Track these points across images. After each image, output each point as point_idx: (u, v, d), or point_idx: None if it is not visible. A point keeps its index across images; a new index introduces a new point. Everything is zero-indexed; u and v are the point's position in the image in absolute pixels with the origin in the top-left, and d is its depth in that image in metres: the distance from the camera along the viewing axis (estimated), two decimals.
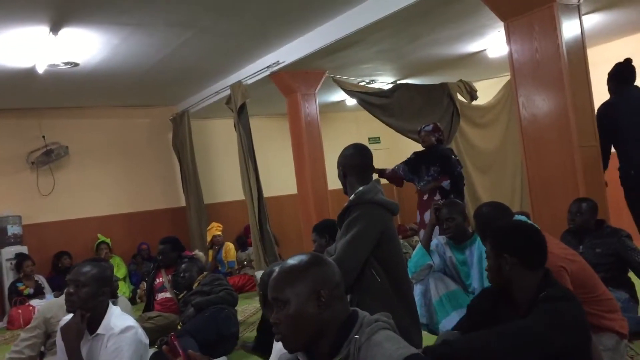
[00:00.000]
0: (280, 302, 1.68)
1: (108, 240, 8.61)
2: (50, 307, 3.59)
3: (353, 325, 1.67)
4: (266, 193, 7.63)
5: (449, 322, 3.74)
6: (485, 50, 7.41)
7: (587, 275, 2.85)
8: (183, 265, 5.29)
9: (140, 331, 2.78)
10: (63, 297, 3.04)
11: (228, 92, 7.55)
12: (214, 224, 8.57)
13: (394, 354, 1.57)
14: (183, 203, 9.40)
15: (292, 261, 1.74)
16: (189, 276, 5.19)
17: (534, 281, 2.27)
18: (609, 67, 5.16)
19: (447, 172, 5.61)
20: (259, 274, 5.89)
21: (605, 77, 5.09)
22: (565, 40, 4.17)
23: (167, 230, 8.30)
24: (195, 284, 5.12)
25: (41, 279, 7.66)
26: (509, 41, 4.48)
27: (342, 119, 10.80)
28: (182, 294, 5.24)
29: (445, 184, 5.56)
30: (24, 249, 7.83)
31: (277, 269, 1.76)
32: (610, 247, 3.80)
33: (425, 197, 5.75)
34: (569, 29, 4.24)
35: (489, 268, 2.40)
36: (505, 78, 8.19)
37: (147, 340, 2.83)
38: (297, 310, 1.65)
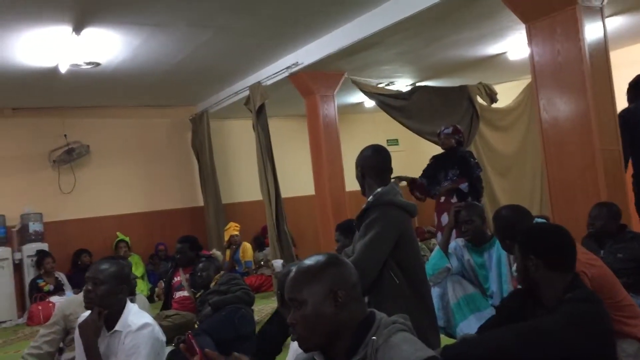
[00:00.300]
0: (297, 303, 1.67)
1: (127, 239, 8.68)
2: (69, 304, 3.62)
3: (370, 327, 1.66)
4: (284, 194, 7.64)
5: (466, 325, 3.72)
6: (505, 52, 7.36)
7: (608, 281, 2.81)
8: (200, 265, 5.31)
9: (157, 328, 2.80)
10: (82, 294, 3.07)
11: (247, 92, 7.58)
12: (232, 224, 8.61)
13: (412, 356, 1.56)
14: (201, 203, 9.45)
15: (308, 261, 1.74)
16: (207, 275, 5.21)
17: (560, 283, 2.24)
18: (632, 70, 5.10)
19: (466, 175, 5.56)
20: (276, 262, 5.86)
21: (628, 80, 5.04)
22: (587, 42, 4.12)
23: (185, 229, 8.35)
24: (213, 283, 5.14)
25: (61, 276, 7.75)
26: (530, 43, 4.43)
27: (361, 120, 10.78)
28: (199, 293, 5.26)
29: (463, 186, 5.52)
30: (44, 246, 7.93)
31: (294, 269, 1.76)
32: (632, 252, 3.74)
33: (442, 200, 5.72)
34: (592, 31, 4.19)
35: (517, 269, 2.40)
36: (525, 81, 8.12)
37: (164, 338, 2.84)
38: (313, 310, 1.65)
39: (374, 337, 1.63)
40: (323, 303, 1.65)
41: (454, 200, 5.54)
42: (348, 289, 1.67)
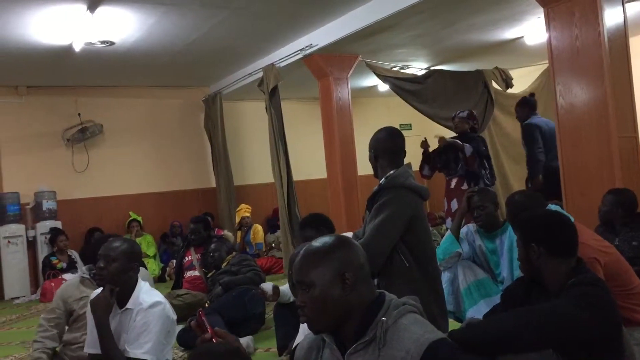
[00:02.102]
0: (305, 285, 1.67)
1: (139, 218, 8.74)
2: (66, 287, 3.64)
3: (380, 308, 1.66)
4: (296, 177, 7.63)
5: (476, 310, 3.70)
6: (522, 37, 7.26)
7: (621, 268, 2.79)
8: (213, 245, 5.35)
9: (168, 307, 2.82)
10: (78, 277, 3.13)
11: (260, 74, 7.55)
12: (243, 206, 8.63)
13: (421, 337, 1.56)
14: (213, 184, 9.48)
15: (316, 244, 1.73)
16: (219, 256, 5.25)
17: (563, 269, 2.23)
18: None
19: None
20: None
21: None
22: (606, 27, 4.05)
23: (196, 210, 8.39)
24: (224, 264, 5.18)
25: (74, 254, 7.82)
26: (548, 28, 4.37)
27: (374, 104, 10.73)
28: (210, 273, 5.31)
29: (467, 147, 5.49)
30: (58, 224, 8.02)
31: (302, 251, 1.76)
32: None
33: (452, 185, 5.70)
34: (611, 16, 4.12)
35: (519, 258, 2.38)
36: (542, 66, 8.01)
37: (174, 316, 2.87)
38: (321, 293, 1.64)
39: (383, 318, 1.63)
40: (331, 285, 1.64)
41: (464, 187, 5.53)
42: (356, 270, 1.67)
